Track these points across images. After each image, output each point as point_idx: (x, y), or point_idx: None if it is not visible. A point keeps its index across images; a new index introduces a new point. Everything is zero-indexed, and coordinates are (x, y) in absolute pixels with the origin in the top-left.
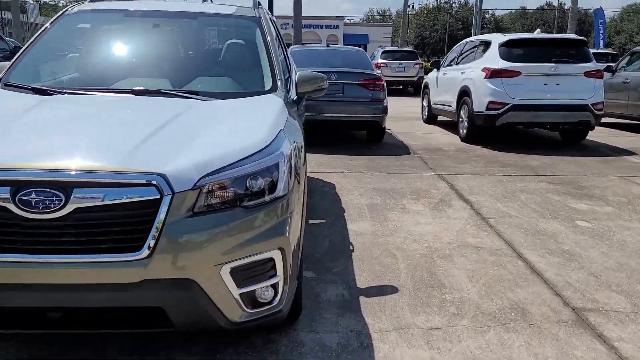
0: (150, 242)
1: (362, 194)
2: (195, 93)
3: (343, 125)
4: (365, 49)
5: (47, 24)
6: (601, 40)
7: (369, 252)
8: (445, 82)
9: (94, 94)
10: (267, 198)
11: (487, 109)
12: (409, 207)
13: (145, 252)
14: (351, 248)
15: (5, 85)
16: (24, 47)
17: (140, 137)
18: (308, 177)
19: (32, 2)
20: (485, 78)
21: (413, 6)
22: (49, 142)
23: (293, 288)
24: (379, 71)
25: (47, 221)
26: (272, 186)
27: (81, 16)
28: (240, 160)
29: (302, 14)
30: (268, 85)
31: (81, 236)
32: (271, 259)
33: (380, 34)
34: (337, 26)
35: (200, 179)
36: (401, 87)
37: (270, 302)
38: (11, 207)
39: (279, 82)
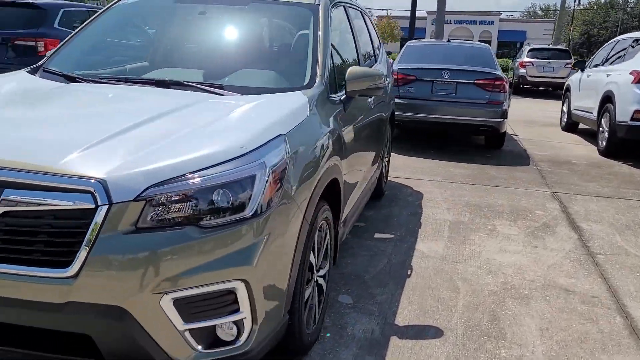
0: (80, 258)
1: (450, 208)
2: (221, 87)
3: (454, 129)
4: (521, 46)
5: (100, 11)
6: None
7: (427, 281)
8: (587, 86)
9: (113, 84)
10: (233, 217)
11: (632, 119)
12: (500, 230)
13: (73, 269)
14: (409, 273)
15: (44, 71)
16: (72, 34)
17: (105, 135)
18: (395, 184)
19: None
20: (632, 83)
21: (579, 1)
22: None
23: (276, 326)
24: (523, 70)
25: None
26: (242, 203)
27: (132, 3)
28: (203, 169)
29: (456, 9)
30: (306, 81)
31: (8, 243)
32: (231, 292)
33: (540, 31)
34: (492, 22)
35: (148, 188)
36: (550, 89)
37: (233, 343)
38: None
39: (317, 78)
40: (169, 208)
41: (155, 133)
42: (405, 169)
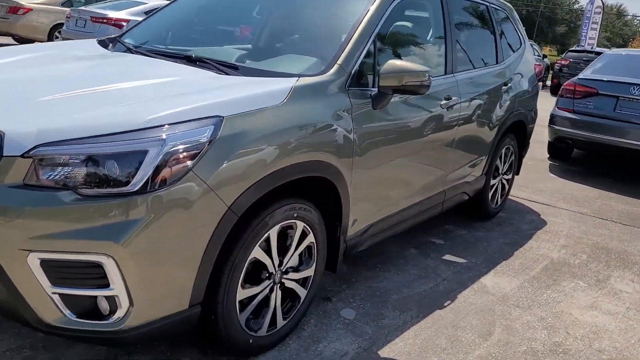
0: None
1: (568, 245)
2: (235, 68)
3: (638, 157)
4: None
5: None
6: None
7: (459, 318)
8: None
9: (148, 56)
10: (113, 190)
11: None
12: (611, 283)
13: None
14: (445, 304)
15: (117, 41)
16: (156, 10)
17: (56, 94)
18: (520, 207)
19: None
20: None
21: None
22: None
23: (170, 315)
24: None
25: None
26: (126, 177)
27: None
28: (96, 136)
29: None
30: (321, 68)
31: None
32: (98, 265)
33: None
34: None
35: (37, 147)
36: None
37: (106, 318)
38: None
39: (333, 67)
40: (53, 169)
41: (91, 99)
42: (550, 193)
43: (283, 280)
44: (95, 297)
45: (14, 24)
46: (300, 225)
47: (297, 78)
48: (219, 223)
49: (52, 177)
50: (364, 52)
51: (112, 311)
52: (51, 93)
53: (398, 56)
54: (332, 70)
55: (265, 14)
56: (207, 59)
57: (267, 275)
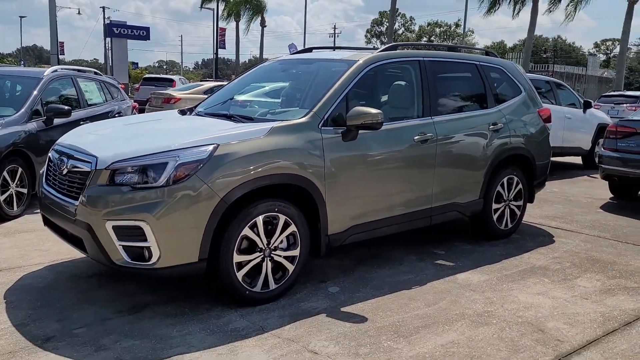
0: (81, 195)
1: (560, 257)
2: (250, 119)
3: None
4: None
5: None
6: None
7: (419, 295)
8: None
9: (202, 117)
10: (149, 185)
11: None
12: (574, 282)
13: (78, 201)
14: (413, 287)
15: (190, 110)
16: (219, 89)
17: (130, 135)
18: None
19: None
20: None
21: None
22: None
23: (187, 263)
24: None
25: None
26: (157, 177)
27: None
28: (141, 156)
29: None
30: (301, 116)
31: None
32: (140, 228)
33: None
34: None
35: (112, 163)
36: None
37: (147, 260)
38: None
39: (309, 114)
40: (121, 174)
41: (146, 137)
42: (582, 222)
43: (272, 255)
44: (142, 247)
45: None
46: (282, 217)
47: (279, 121)
48: (215, 208)
49: (120, 179)
50: (336, 103)
51: (150, 257)
52: (126, 136)
53: (370, 105)
54: (308, 116)
55: (287, 82)
56: (236, 115)
57: (259, 249)
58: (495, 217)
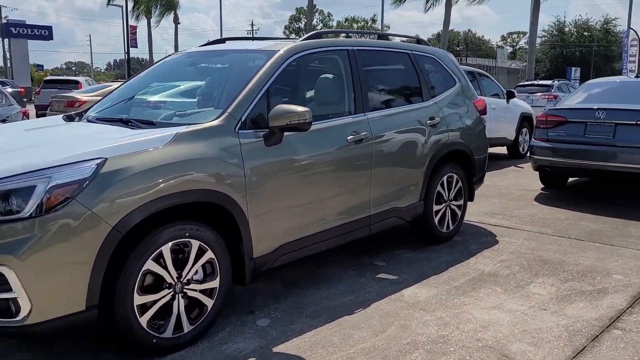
0: None
1: (507, 260)
2: (151, 124)
3: (612, 178)
4: None
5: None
6: None
7: (363, 321)
8: None
9: (90, 123)
10: (10, 217)
11: None
12: (529, 289)
13: None
14: (356, 312)
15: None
16: (112, 90)
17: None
18: (482, 231)
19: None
20: None
21: None
22: None
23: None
24: None
25: None
26: (21, 205)
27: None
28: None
29: None
30: (214, 117)
31: None
32: (1, 274)
33: None
34: None
35: None
36: None
37: (14, 316)
38: None
39: (222, 115)
40: None
41: (10, 153)
42: (520, 218)
43: (185, 290)
44: (6, 299)
45: None
46: (195, 243)
47: (186, 126)
48: (105, 239)
49: None
50: (255, 102)
51: (17, 311)
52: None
53: (295, 102)
54: (221, 119)
55: (195, 77)
56: (134, 120)
57: (167, 285)
58: (436, 219)
